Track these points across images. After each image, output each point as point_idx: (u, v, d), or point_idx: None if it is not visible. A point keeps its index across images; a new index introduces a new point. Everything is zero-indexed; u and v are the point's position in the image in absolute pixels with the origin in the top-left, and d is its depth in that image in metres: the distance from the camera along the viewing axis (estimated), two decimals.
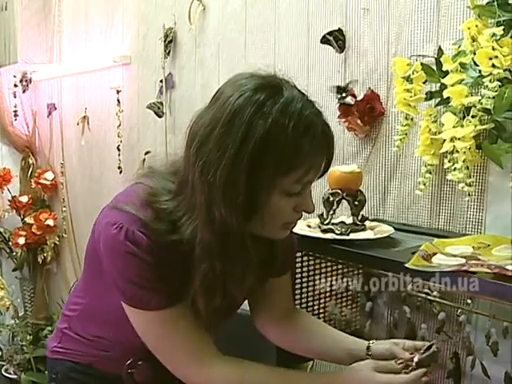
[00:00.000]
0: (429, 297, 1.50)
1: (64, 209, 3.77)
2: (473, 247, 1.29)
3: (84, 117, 3.42)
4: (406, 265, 1.17)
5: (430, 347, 1.21)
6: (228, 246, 1.03)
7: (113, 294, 1.09)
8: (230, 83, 1.04)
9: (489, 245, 1.33)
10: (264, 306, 1.33)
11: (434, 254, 1.24)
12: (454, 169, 1.33)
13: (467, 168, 1.37)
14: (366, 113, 1.73)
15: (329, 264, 1.67)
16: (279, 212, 1.05)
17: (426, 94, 1.52)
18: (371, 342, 1.25)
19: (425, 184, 1.49)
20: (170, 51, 2.69)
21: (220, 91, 1.04)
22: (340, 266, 1.70)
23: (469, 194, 1.43)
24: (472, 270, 1.12)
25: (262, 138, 0.96)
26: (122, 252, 1.03)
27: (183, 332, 1.09)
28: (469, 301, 1.46)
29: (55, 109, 3.72)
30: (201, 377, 1.10)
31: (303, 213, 1.13)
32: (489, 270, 1.11)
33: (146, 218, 1.04)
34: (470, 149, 1.35)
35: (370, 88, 1.78)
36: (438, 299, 1.48)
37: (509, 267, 1.08)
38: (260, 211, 1.05)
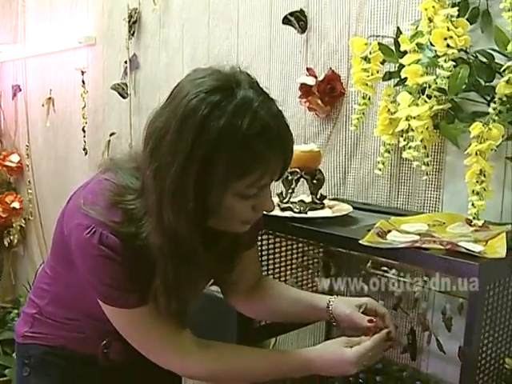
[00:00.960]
0: (387, 274, 1.51)
1: (30, 191, 3.72)
2: (428, 225, 1.30)
3: (49, 98, 3.37)
4: (360, 241, 1.17)
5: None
6: (179, 250, 1.02)
7: (85, 283, 1.09)
8: (188, 80, 1.00)
9: (444, 222, 1.34)
10: (235, 282, 1.32)
11: (389, 231, 1.25)
12: (409, 147, 1.33)
13: (425, 148, 1.37)
14: (327, 93, 1.73)
15: (289, 243, 1.68)
16: (236, 213, 1.04)
17: (385, 74, 1.52)
18: (331, 300, 1.25)
19: (383, 163, 1.48)
20: (134, 32, 2.66)
21: (177, 89, 1.01)
22: (300, 245, 1.70)
23: (426, 174, 1.43)
24: (425, 246, 1.14)
25: (214, 141, 0.93)
26: (96, 255, 1.02)
27: (160, 325, 1.09)
28: (425, 278, 1.48)
29: (20, 90, 3.66)
30: (182, 365, 1.12)
31: None
32: (441, 247, 1.12)
33: (117, 220, 1.03)
34: (427, 128, 1.35)
35: (330, 68, 1.77)
36: (395, 277, 1.49)
37: (461, 244, 1.10)
38: (214, 214, 1.04)
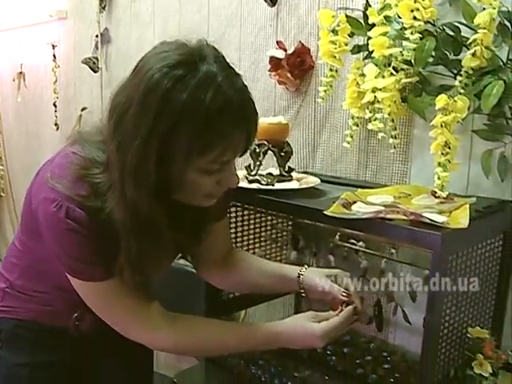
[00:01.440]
0: (354, 246, 1.52)
1: (1, 167, 3.66)
2: (394, 197, 1.30)
3: (20, 73, 3.31)
4: (325, 212, 1.17)
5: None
6: (141, 225, 1.00)
7: (52, 255, 1.09)
8: (153, 54, 0.99)
9: (410, 195, 1.34)
10: (205, 254, 1.30)
11: (354, 202, 1.25)
12: (375, 119, 1.33)
13: (392, 121, 1.37)
14: (296, 66, 1.72)
15: (258, 215, 1.67)
16: (200, 188, 1.03)
17: (354, 47, 1.52)
18: (302, 270, 1.25)
19: (352, 136, 1.48)
20: (105, 5, 2.62)
21: (142, 62, 0.99)
22: (269, 218, 1.70)
23: (394, 147, 1.43)
24: (389, 216, 1.13)
25: (176, 115, 0.92)
26: (63, 229, 1.02)
27: (127, 298, 1.09)
28: (392, 250, 1.49)
29: None
30: (150, 338, 1.11)
31: None
32: (405, 217, 1.11)
33: (83, 194, 1.02)
34: (395, 102, 1.35)
35: (300, 42, 1.76)
36: (362, 248, 1.50)
37: (425, 214, 1.10)
38: (177, 189, 1.04)
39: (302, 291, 1.26)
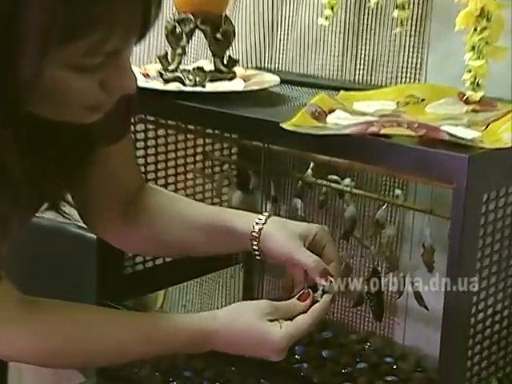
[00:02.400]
0: (335, 185, 1.52)
1: None
2: (397, 103, 1.31)
3: None
4: (282, 124, 1.14)
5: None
6: None
7: None
8: None
9: (423, 99, 1.33)
10: (98, 197, 1.28)
11: (332, 110, 1.22)
12: None
13: None
14: None
15: (181, 137, 1.65)
16: (73, 95, 0.98)
17: None
18: (259, 220, 1.20)
19: (332, 8, 1.44)
20: None
21: None
22: (199, 139, 1.69)
23: (401, 23, 1.41)
24: (385, 131, 1.09)
25: None
26: None
27: None
28: (397, 191, 1.46)
29: None
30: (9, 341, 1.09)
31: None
32: (411, 132, 1.08)
33: None
34: None
35: None
36: (348, 189, 1.49)
37: (444, 128, 1.08)
38: (37, 99, 0.97)
39: (257, 253, 1.21)
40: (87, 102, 1.00)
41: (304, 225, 1.24)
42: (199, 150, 1.70)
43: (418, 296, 1.43)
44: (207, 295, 1.97)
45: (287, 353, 1.41)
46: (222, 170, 1.74)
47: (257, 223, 1.20)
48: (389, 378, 1.54)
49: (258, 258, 1.22)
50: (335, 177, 1.52)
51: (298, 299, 1.14)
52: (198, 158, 1.71)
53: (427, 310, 1.43)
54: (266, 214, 1.23)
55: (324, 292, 1.13)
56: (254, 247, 1.20)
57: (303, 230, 1.20)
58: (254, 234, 1.20)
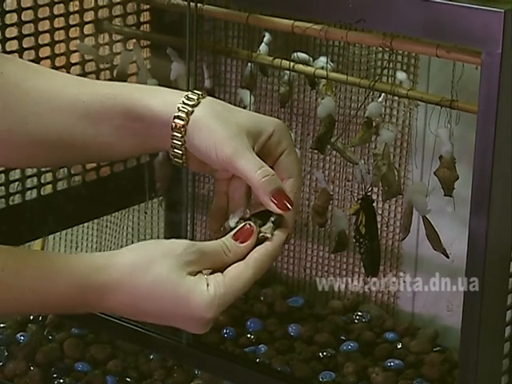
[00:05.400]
0: (307, 69, 1.48)
1: None
2: None
3: None
4: None
5: None
6: None
7: None
8: None
9: None
10: None
11: None
12: None
13: None
14: None
15: None
16: None
17: None
18: (185, 104, 1.12)
19: None
20: None
21: None
22: None
23: None
24: None
25: None
26: None
27: None
28: (400, 75, 1.42)
29: None
30: None
31: None
32: None
33: None
34: None
35: None
36: (325, 74, 1.46)
37: None
38: None
39: (178, 153, 1.16)
40: None
41: (256, 117, 1.19)
42: (89, 16, 1.71)
43: (434, 236, 1.40)
44: (111, 242, 2.03)
45: (233, 330, 1.54)
46: (125, 47, 1.73)
47: (184, 105, 1.14)
48: (390, 363, 1.53)
49: (177, 161, 1.17)
50: (303, 55, 1.51)
51: (235, 238, 1.08)
52: (88, 30, 1.71)
53: (447, 257, 1.40)
54: (198, 91, 1.17)
55: (274, 226, 1.08)
56: (176, 142, 1.14)
57: (254, 125, 1.15)
58: (177, 120, 1.13)
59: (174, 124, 1.12)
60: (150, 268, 1.06)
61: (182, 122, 1.12)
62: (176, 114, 1.12)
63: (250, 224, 1.08)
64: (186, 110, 1.13)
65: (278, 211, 1.08)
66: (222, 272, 1.06)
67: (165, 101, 1.16)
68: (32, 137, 1.23)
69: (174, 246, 1.08)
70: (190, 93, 1.15)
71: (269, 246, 1.07)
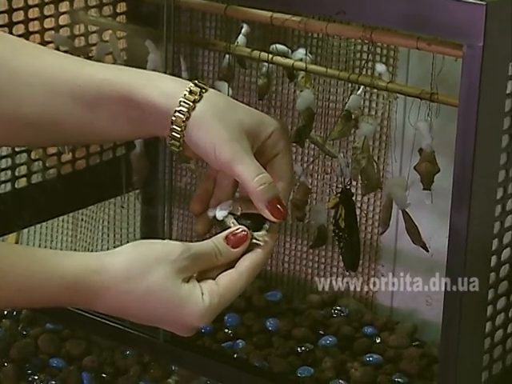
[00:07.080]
0: (285, 61, 1.47)
1: None
2: None
3: None
4: None
5: None
6: None
7: None
8: None
9: None
10: None
11: None
12: None
13: None
14: None
15: None
16: None
17: None
18: (187, 97, 1.10)
19: None
20: None
21: None
22: None
23: None
24: None
25: None
26: None
27: None
28: (379, 68, 1.41)
29: None
30: None
31: None
32: None
33: None
34: None
35: None
36: (304, 66, 1.44)
37: None
38: None
39: (175, 143, 1.14)
40: None
41: (257, 116, 1.16)
42: (64, 6, 1.70)
43: (414, 230, 1.41)
44: (87, 236, 2.01)
45: (211, 325, 1.54)
46: (101, 38, 1.73)
47: (186, 99, 1.12)
48: (369, 358, 1.54)
49: (173, 149, 1.15)
50: (282, 47, 1.49)
51: (228, 242, 1.08)
52: (63, 20, 1.70)
53: (427, 251, 1.42)
54: (201, 84, 1.14)
55: (267, 233, 1.09)
56: (174, 134, 1.13)
57: (254, 124, 1.14)
58: (178, 114, 1.12)
59: (174, 118, 1.11)
60: (144, 276, 1.05)
61: (182, 117, 1.11)
62: (177, 109, 1.11)
63: (244, 230, 1.08)
64: (187, 105, 1.11)
65: (273, 219, 1.08)
66: (212, 274, 1.06)
67: (166, 93, 1.14)
68: (26, 119, 1.20)
69: (169, 249, 1.07)
70: (192, 85, 1.13)
71: (260, 254, 1.08)
